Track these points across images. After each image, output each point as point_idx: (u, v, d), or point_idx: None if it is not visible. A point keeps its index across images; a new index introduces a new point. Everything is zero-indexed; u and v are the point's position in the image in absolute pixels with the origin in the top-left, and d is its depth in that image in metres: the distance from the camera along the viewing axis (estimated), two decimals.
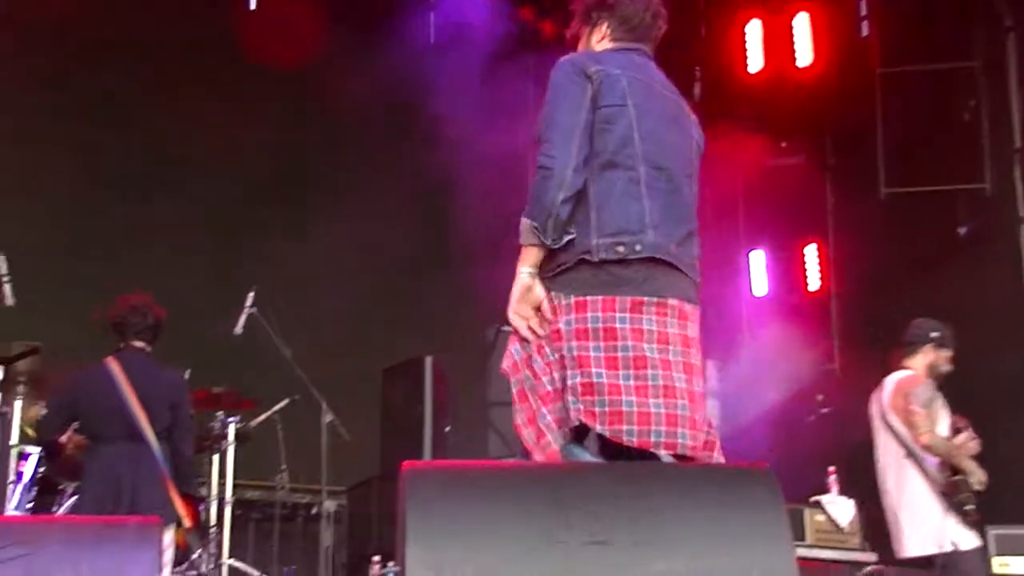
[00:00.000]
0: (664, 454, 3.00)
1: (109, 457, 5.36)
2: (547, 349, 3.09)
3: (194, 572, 6.25)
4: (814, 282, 9.20)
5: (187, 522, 5.71)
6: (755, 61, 9.12)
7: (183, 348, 7.46)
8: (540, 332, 3.08)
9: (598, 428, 3.01)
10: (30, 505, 5.93)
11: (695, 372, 3.06)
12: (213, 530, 6.69)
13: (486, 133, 7.88)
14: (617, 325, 3.00)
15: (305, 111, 8.89)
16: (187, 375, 6.85)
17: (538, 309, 3.09)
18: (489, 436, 9.74)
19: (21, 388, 6.01)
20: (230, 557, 6.69)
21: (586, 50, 3.29)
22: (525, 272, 3.10)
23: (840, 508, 6.35)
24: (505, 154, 8.02)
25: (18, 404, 6.02)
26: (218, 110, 8.47)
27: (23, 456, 6.07)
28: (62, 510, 5.87)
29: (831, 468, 6.54)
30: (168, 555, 5.35)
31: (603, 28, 3.30)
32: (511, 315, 3.13)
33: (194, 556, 6.23)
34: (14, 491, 5.87)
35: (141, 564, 3.31)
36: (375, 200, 8.41)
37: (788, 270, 9.37)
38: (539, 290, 3.09)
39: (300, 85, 8.76)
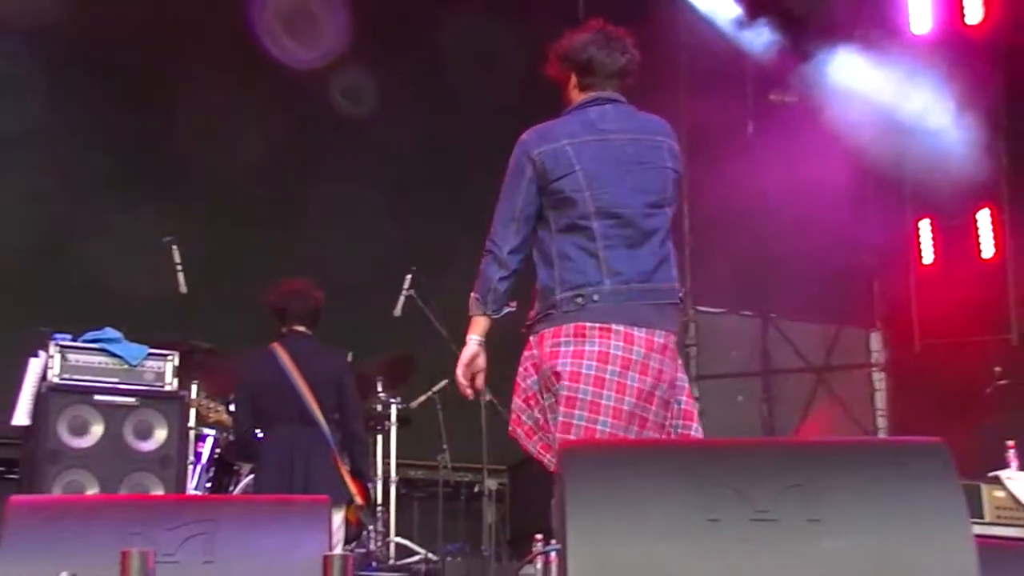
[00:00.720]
0: None
1: (281, 439, 5.54)
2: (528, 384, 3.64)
3: (363, 550, 6.44)
4: (988, 249, 8.86)
5: (358, 500, 5.89)
6: (922, 20, 8.81)
7: (344, 331, 7.70)
8: (478, 393, 3.70)
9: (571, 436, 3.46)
10: (208, 485, 6.21)
11: (626, 392, 3.46)
12: (379, 509, 6.88)
13: None
14: (562, 348, 3.48)
15: (458, 99, 8.98)
16: (349, 357, 7.06)
17: (478, 374, 3.69)
18: None
19: (197, 375, 6.31)
20: (396, 535, 6.86)
21: (542, 124, 3.66)
22: (473, 340, 3.68)
23: (1021, 484, 6.12)
24: None
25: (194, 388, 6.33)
26: (390, 100, 8.66)
27: (201, 438, 6.36)
28: (237, 489, 6.12)
29: (1010, 442, 6.29)
30: (340, 533, 5.52)
31: (573, 79, 3.69)
32: (458, 376, 3.71)
33: (363, 534, 6.42)
34: (193, 471, 6.16)
35: (311, 541, 3.43)
36: None
37: (959, 238, 9.05)
38: (482, 359, 3.69)
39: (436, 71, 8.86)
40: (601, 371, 3.47)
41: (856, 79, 8.59)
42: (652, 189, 3.60)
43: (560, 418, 3.49)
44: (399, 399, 7.10)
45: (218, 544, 3.39)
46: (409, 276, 6.75)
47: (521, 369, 3.66)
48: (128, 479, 5.44)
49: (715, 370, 9.77)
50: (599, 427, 3.46)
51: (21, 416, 5.56)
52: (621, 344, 3.48)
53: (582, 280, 3.51)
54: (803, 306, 9.70)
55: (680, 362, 3.69)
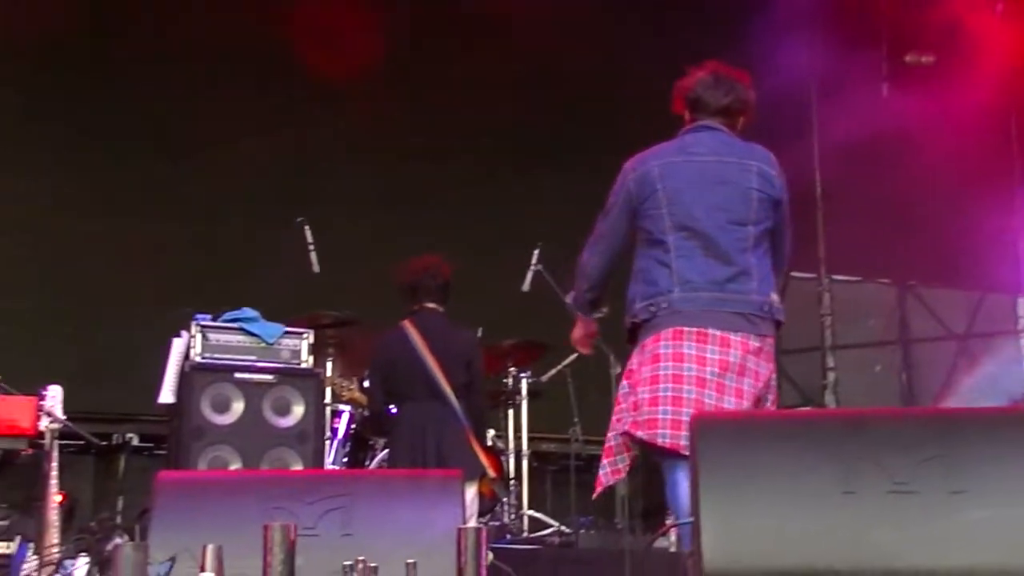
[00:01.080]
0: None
1: (413, 415, 5.63)
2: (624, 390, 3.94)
3: (497, 523, 6.51)
4: None
5: (492, 473, 5.95)
6: None
7: (474, 306, 7.77)
8: (620, 394, 3.95)
9: (637, 434, 3.78)
10: (345, 460, 6.35)
11: (725, 392, 3.72)
12: (512, 483, 6.94)
13: None
14: (660, 351, 3.78)
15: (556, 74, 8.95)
16: (479, 333, 7.13)
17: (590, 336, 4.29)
18: (781, 384, 9.58)
19: (331, 352, 6.46)
20: (529, 508, 6.92)
21: (648, 149, 4.02)
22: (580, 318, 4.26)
23: None
24: None
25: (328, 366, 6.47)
26: (512, 75, 8.70)
27: (337, 414, 6.51)
28: (373, 464, 6.26)
29: None
30: (473, 507, 5.59)
31: (686, 113, 4.08)
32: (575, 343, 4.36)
33: (497, 507, 6.49)
34: (331, 447, 6.31)
35: (445, 514, 3.49)
36: None
37: None
38: (591, 326, 4.29)
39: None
40: (701, 372, 3.75)
41: (997, 38, 8.28)
42: (733, 207, 3.87)
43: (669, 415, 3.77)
44: (529, 373, 7.14)
45: (356, 518, 3.48)
46: (537, 251, 6.77)
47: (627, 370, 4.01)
48: (268, 455, 5.60)
49: (851, 340, 9.57)
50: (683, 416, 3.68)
51: (167, 394, 5.77)
52: (717, 348, 3.76)
53: (654, 291, 3.84)
54: (943, 272, 9.43)
55: (772, 364, 3.92)
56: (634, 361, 3.90)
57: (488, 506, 6.21)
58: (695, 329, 3.74)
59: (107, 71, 8.04)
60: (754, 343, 3.80)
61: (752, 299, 3.83)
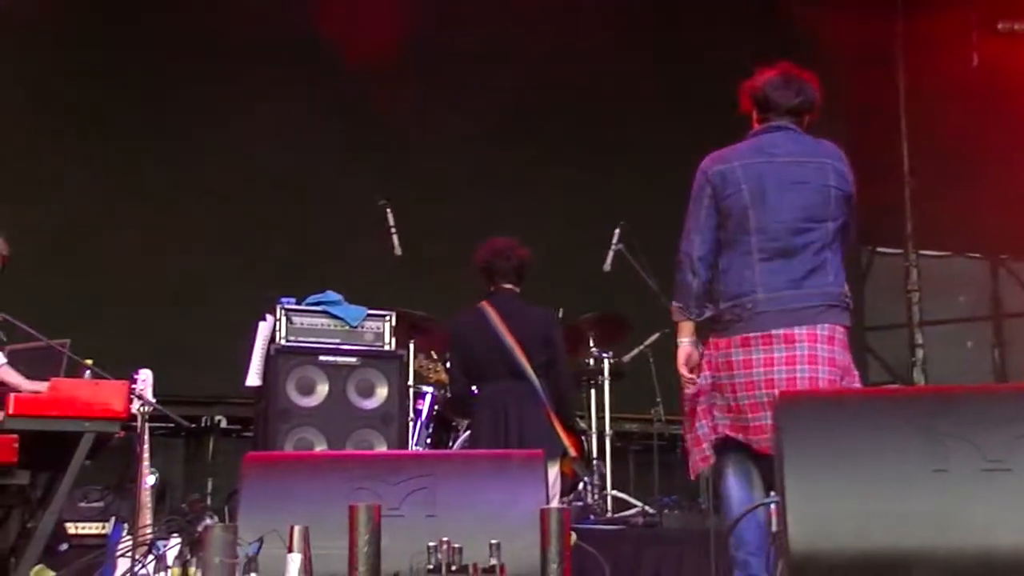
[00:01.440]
0: None
1: (495, 395, 5.64)
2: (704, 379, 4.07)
3: (580, 503, 6.51)
4: None
5: (572, 452, 5.95)
6: None
7: (555, 286, 7.77)
8: (700, 385, 4.05)
9: (740, 438, 3.94)
10: (428, 441, 6.40)
11: (798, 385, 3.81)
12: (595, 462, 6.93)
13: None
14: (733, 358, 3.94)
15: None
16: (560, 314, 7.11)
17: (696, 368, 4.10)
18: (867, 360, 9.44)
19: (413, 335, 6.50)
20: (613, 488, 6.91)
21: (721, 150, 4.13)
22: (685, 342, 4.13)
23: None
24: None
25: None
26: (590, 52, 8.67)
27: (420, 396, 6.57)
28: (456, 445, 6.29)
29: None
30: (556, 487, 5.60)
31: (754, 112, 4.17)
32: (681, 373, 4.15)
33: (579, 487, 6.49)
34: (414, 428, 6.36)
35: (529, 494, 3.50)
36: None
37: None
38: (696, 355, 4.10)
39: None
40: (769, 374, 3.89)
41: None
42: (812, 206, 4.00)
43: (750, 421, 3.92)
44: (611, 353, 7.12)
45: (440, 498, 3.51)
46: (618, 230, 6.74)
47: (706, 361, 4.09)
48: (353, 436, 5.67)
49: (941, 315, 9.38)
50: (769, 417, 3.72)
51: (253, 377, 5.86)
52: (783, 346, 3.90)
53: (738, 291, 3.96)
54: None
55: (848, 352, 4.00)
56: (713, 356, 4.03)
57: (570, 485, 6.21)
58: (761, 334, 3.92)
59: (188, 56, 8.16)
60: (824, 332, 3.92)
61: (829, 291, 3.97)
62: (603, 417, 7.08)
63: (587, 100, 8.84)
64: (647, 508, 6.62)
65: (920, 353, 9.32)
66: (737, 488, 4.02)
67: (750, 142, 4.12)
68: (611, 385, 7.09)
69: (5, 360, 4.71)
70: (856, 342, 7.69)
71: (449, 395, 6.26)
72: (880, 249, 9.78)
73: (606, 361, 7.08)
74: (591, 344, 7.13)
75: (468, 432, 6.15)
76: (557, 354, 5.80)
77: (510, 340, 5.60)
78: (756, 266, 3.95)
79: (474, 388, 5.81)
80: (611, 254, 6.68)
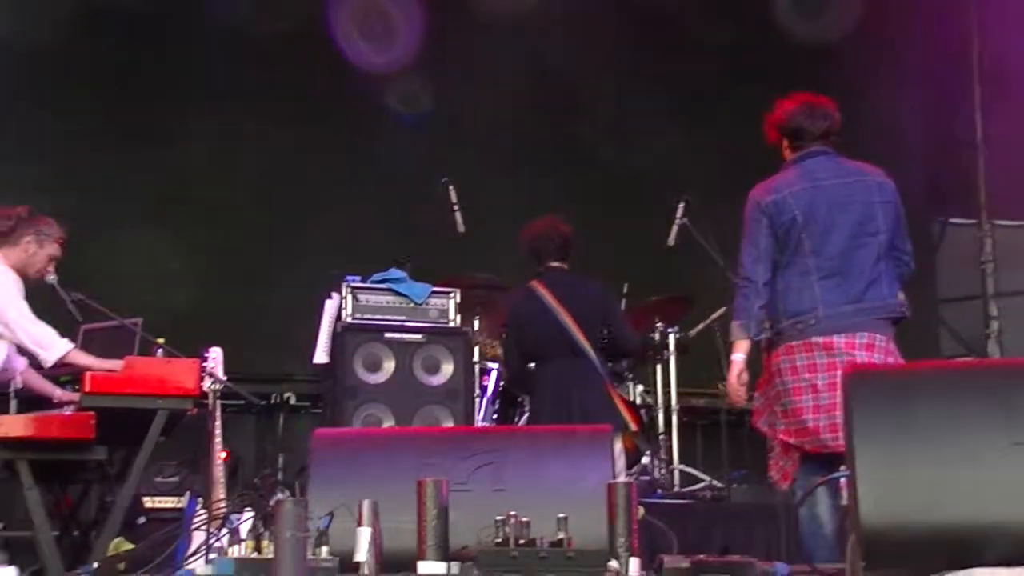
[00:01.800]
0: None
1: (555, 373, 5.68)
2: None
3: (647, 478, 6.51)
4: None
5: (632, 426, 5.98)
6: None
7: (619, 262, 7.74)
8: (745, 402, 4.49)
9: (792, 441, 4.27)
10: (495, 416, 6.44)
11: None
12: (662, 437, 6.92)
13: None
14: (787, 365, 4.27)
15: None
16: (625, 289, 7.10)
17: (745, 384, 4.42)
18: (940, 333, 9.30)
19: (478, 311, 6.54)
20: (680, 463, 6.90)
21: (768, 181, 4.43)
22: (739, 358, 4.42)
23: None
24: None
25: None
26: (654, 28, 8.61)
27: (486, 372, 6.60)
28: (522, 420, 6.32)
29: None
30: (621, 461, 5.61)
31: (785, 142, 4.48)
32: (730, 386, 4.47)
33: (645, 462, 6.49)
34: (480, 404, 6.40)
35: (595, 469, 3.51)
36: None
37: None
38: (746, 374, 4.41)
39: None
40: (814, 380, 4.19)
41: None
42: (862, 223, 4.28)
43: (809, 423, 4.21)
44: (676, 328, 7.10)
45: (507, 473, 3.53)
46: (682, 204, 6.70)
47: (763, 377, 4.46)
48: (420, 412, 5.72)
49: (1016, 286, 9.20)
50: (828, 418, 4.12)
51: (320, 355, 5.93)
52: (823, 353, 4.21)
53: (799, 308, 4.26)
54: None
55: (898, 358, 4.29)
56: (779, 369, 4.34)
57: (632, 460, 6.23)
58: (822, 339, 4.21)
59: (257, 42, 8.24)
60: (881, 341, 4.23)
61: (887, 303, 4.27)
62: (669, 392, 7.06)
63: (652, 68, 8.78)
64: (715, 482, 6.60)
65: (995, 325, 9.14)
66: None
67: (795, 170, 4.41)
68: (677, 360, 7.06)
69: (73, 345, 4.82)
70: (930, 315, 7.59)
71: (506, 375, 6.30)
72: (953, 220, 9.60)
73: (671, 336, 7.06)
74: (656, 320, 7.11)
75: (529, 411, 6.17)
76: (615, 320, 5.87)
77: (566, 318, 5.62)
78: (815, 285, 4.25)
79: (530, 365, 5.85)
80: (675, 228, 6.65)
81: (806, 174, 4.37)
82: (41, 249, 4.90)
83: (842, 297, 4.23)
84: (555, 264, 5.83)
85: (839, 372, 4.05)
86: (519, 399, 6.57)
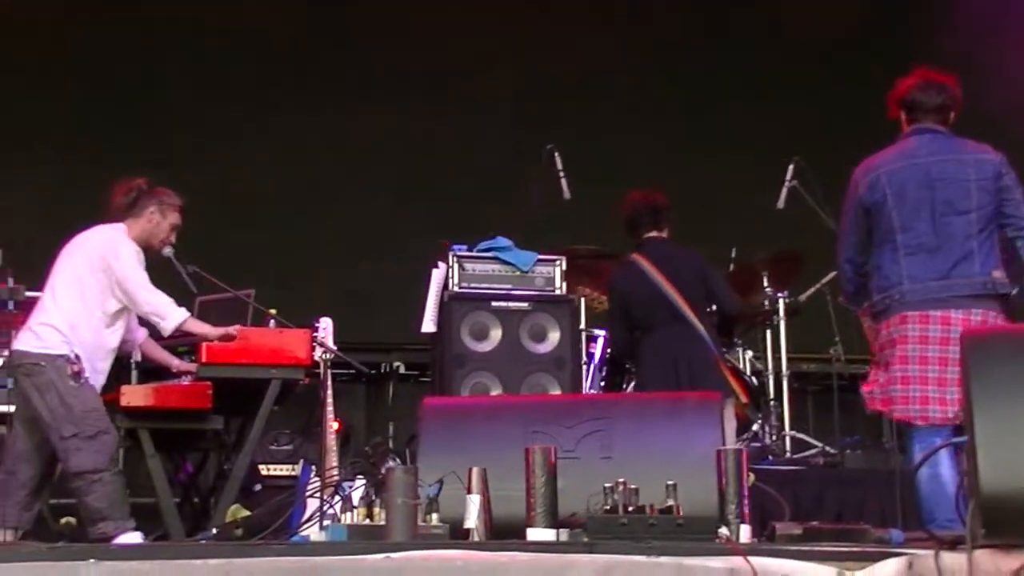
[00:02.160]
0: (920, 425, 4.24)
1: (661, 342, 5.68)
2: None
3: (758, 444, 6.45)
4: None
5: (741, 397, 5.94)
6: None
7: (727, 224, 7.64)
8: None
9: (883, 410, 4.41)
10: (602, 384, 6.43)
11: (950, 363, 4.12)
12: (772, 403, 6.84)
13: None
14: (884, 338, 4.38)
15: None
16: (733, 253, 7.02)
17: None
18: None
19: (584, 280, 6.53)
20: (791, 429, 6.81)
21: (870, 158, 4.51)
22: (866, 324, 4.60)
23: None
24: None
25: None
26: None
27: (593, 339, 6.59)
28: (630, 387, 6.30)
29: None
30: (731, 428, 5.57)
31: (902, 116, 4.52)
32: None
33: (756, 428, 6.42)
34: (587, 371, 6.39)
35: (705, 436, 3.49)
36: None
37: None
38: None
39: None
40: (903, 351, 4.29)
41: None
42: (954, 200, 4.33)
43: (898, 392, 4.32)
44: (786, 293, 6.98)
45: (615, 440, 3.53)
46: (792, 166, 6.57)
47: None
48: (527, 380, 5.73)
49: None
50: (919, 390, 4.25)
51: (428, 324, 5.98)
52: (917, 326, 4.27)
53: (887, 284, 4.36)
54: None
55: None
56: (876, 344, 4.49)
57: (739, 429, 6.19)
58: (917, 313, 4.27)
59: (363, 19, 8.32)
60: (976, 317, 4.25)
61: (975, 280, 4.29)
62: (779, 358, 6.96)
63: (762, 31, 8.63)
64: (828, 448, 6.50)
65: None
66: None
67: (896, 148, 4.49)
68: (787, 325, 6.96)
69: (189, 314, 4.93)
70: None
71: (611, 345, 6.28)
72: None
73: (781, 301, 6.95)
74: (765, 284, 7.01)
75: (635, 381, 6.15)
76: (717, 286, 5.86)
77: (667, 286, 5.64)
78: (902, 261, 4.34)
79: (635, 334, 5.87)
80: (784, 191, 6.53)
81: (907, 151, 4.44)
82: (164, 219, 4.99)
83: (929, 272, 4.32)
84: (653, 234, 5.83)
85: (931, 346, 4.21)
86: (627, 366, 6.55)
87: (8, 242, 4.44)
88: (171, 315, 4.79)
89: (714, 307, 5.92)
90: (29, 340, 4.69)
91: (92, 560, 2.41)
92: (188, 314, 4.90)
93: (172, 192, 5.05)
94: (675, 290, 5.66)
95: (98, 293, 4.74)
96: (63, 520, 5.28)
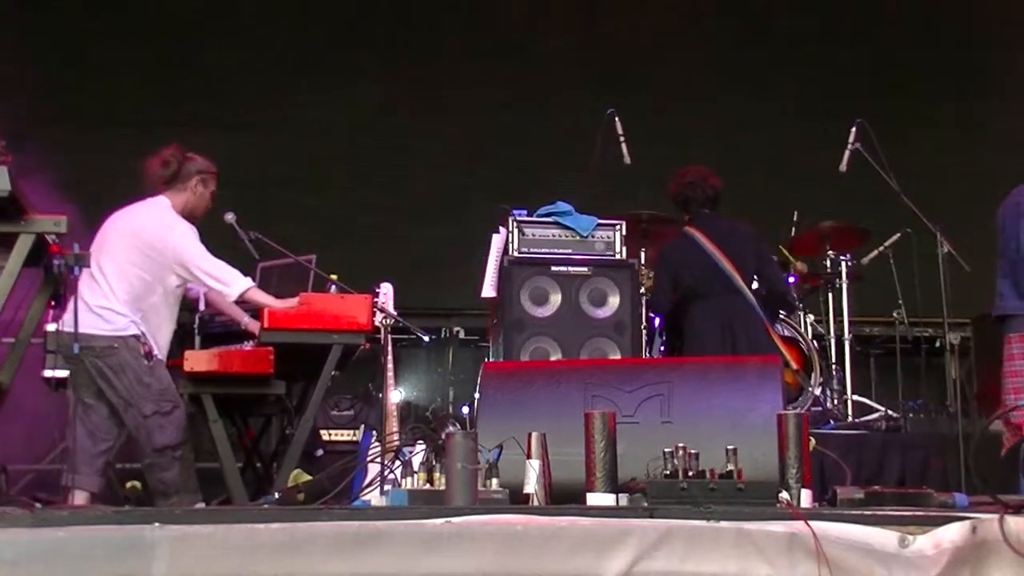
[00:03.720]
0: None
1: (714, 311, 5.78)
2: None
3: (819, 408, 6.39)
4: None
5: (794, 364, 5.96)
6: None
7: (790, 188, 7.56)
8: None
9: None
10: (662, 349, 6.41)
11: None
12: (834, 368, 6.77)
13: None
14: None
15: None
16: (795, 217, 6.95)
17: None
18: None
19: (645, 244, 6.49)
20: (853, 393, 6.74)
21: None
22: None
23: None
24: None
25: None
26: None
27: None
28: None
29: None
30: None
31: None
32: None
33: (817, 392, 6.36)
34: (648, 336, 6.36)
35: (765, 401, 3.45)
36: None
37: None
38: None
39: None
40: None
41: None
42: None
43: None
44: (848, 256, 6.89)
45: (675, 405, 3.51)
46: (854, 128, 6.46)
47: None
48: (587, 345, 5.71)
49: None
50: None
51: (488, 289, 5.98)
52: None
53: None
54: None
55: None
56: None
57: (793, 397, 6.19)
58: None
59: None
60: None
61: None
62: (841, 321, 6.88)
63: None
64: (890, 412, 6.43)
65: None
66: None
67: None
68: (849, 288, 6.87)
69: (253, 283, 4.94)
70: None
71: (648, 307, 6.29)
72: None
73: (843, 264, 6.87)
74: (827, 247, 6.92)
75: (685, 346, 6.14)
76: (766, 262, 5.96)
77: (722, 258, 5.76)
78: None
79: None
80: (847, 154, 6.42)
81: None
82: (206, 188, 4.97)
83: None
84: (706, 211, 5.89)
85: None
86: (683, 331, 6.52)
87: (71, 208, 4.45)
88: (235, 282, 4.80)
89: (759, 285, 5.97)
90: (95, 322, 4.63)
91: (157, 524, 2.44)
92: (252, 283, 4.91)
93: (208, 159, 5.01)
94: (729, 262, 5.77)
95: (158, 271, 4.74)
96: (129, 484, 5.36)
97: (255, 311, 4.99)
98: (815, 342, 6.61)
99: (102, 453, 4.70)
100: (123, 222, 4.85)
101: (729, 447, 3.07)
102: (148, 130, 7.43)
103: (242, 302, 4.95)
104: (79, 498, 4.51)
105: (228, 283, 4.80)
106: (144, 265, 4.73)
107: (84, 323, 4.56)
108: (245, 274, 4.94)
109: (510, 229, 5.87)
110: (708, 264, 5.80)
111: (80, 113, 7.83)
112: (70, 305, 4.43)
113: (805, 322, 6.71)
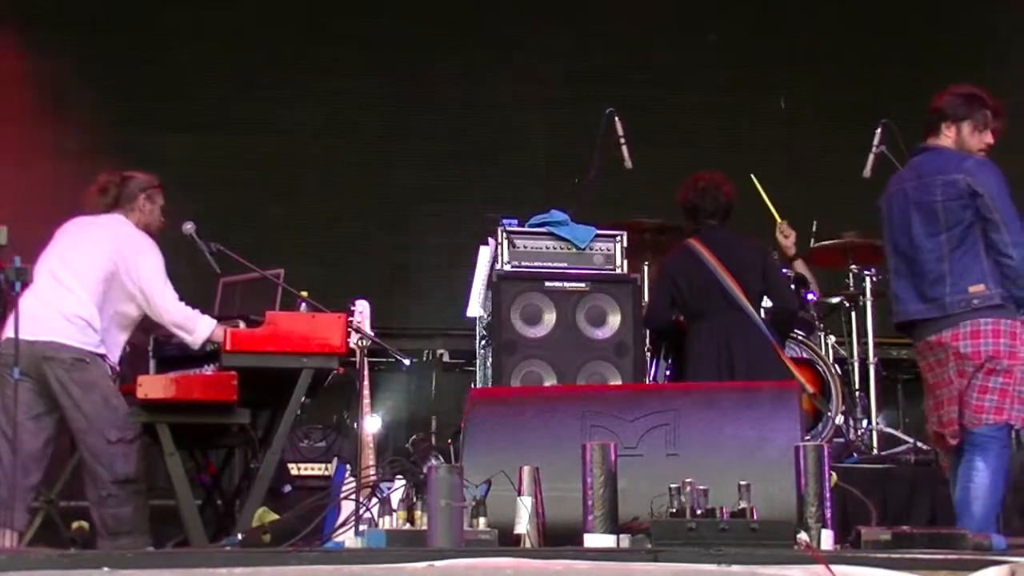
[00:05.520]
0: None
1: (714, 330, 5.72)
2: None
3: (841, 439, 6.39)
4: None
5: (809, 388, 5.92)
6: None
7: (810, 196, 7.59)
8: None
9: None
10: (668, 373, 6.41)
11: None
12: (858, 394, 6.77)
13: None
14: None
15: None
16: (814, 228, 6.96)
17: None
18: None
19: (648, 257, 6.51)
20: (879, 422, 6.74)
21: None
22: None
23: None
24: None
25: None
26: None
27: None
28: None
29: None
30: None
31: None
32: None
33: (836, 421, 6.36)
34: (652, 359, 6.36)
35: (781, 431, 3.45)
36: None
37: None
38: None
39: None
40: None
41: None
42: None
43: None
44: (873, 271, 6.91)
45: (682, 435, 3.50)
46: (879, 130, 6.48)
47: None
48: (585, 368, 5.72)
49: None
50: None
51: (474, 307, 5.99)
52: None
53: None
54: None
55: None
56: None
57: (810, 424, 6.17)
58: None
59: None
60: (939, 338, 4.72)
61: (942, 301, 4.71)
62: (866, 343, 6.88)
63: None
64: (919, 444, 6.43)
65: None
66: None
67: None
68: (875, 306, 6.88)
69: (216, 322, 4.93)
70: None
71: (644, 327, 6.29)
72: None
73: (868, 279, 6.88)
74: (850, 261, 6.94)
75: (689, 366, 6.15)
76: (774, 280, 5.92)
77: (724, 274, 5.72)
78: None
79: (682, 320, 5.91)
80: (872, 158, 6.45)
81: None
82: (155, 204, 5.05)
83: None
84: (713, 223, 5.86)
85: None
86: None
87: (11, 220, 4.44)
88: (199, 328, 4.82)
89: (770, 304, 5.97)
90: (70, 332, 4.66)
91: (106, 568, 2.43)
92: (215, 323, 4.91)
93: (148, 174, 5.09)
94: (731, 279, 5.73)
95: (120, 294, 4.80)
96: (75, 524, 5.34)
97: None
98: (836, 366, 6.61)
99: (32, 488, 4.71)
100: (91, 231, 4.92)
101: (742, 482, 3.08)
102: (98, 131, 7.47)
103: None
104: (6, 539, 4.49)
105: (192, 329, 4.83)
106: (111, 283, 4.79)
107: (55, 331, 4.60)
108: (204, 292, 4.95)
109: (499, 240, 5.88)
110: (708, 279, 5.76)
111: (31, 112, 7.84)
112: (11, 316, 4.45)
113: (826, 343, 6.72)
